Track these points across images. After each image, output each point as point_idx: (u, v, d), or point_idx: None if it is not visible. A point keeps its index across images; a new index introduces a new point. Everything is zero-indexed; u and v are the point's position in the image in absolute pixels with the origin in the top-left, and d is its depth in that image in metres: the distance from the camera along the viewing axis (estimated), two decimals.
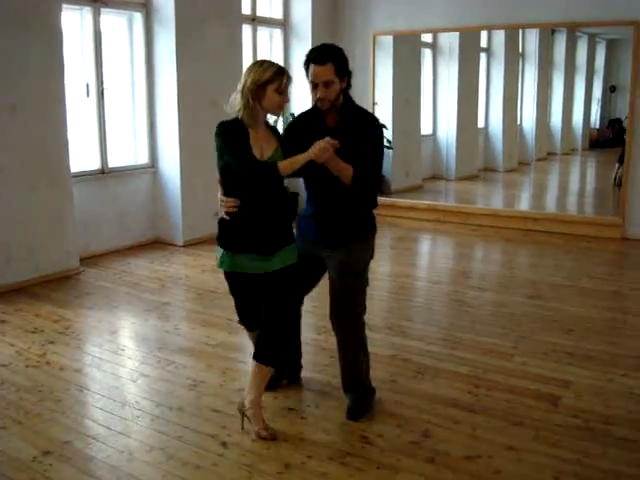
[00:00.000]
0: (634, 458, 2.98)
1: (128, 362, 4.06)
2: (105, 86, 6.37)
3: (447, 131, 9.20)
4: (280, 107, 3.04)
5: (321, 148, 2.94)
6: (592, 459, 2.95)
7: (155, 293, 5.38)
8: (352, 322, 3.34)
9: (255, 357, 3.17)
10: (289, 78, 3.00)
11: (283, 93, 2.99)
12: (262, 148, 3.04)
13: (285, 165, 2.98)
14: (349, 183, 3.11)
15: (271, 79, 2.94)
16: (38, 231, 5.57)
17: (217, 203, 3.14)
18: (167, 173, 6.90)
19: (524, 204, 9.27)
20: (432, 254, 7.29)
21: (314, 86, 3.11)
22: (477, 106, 9.20)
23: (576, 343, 4.30)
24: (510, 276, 6.04)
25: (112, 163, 6.61)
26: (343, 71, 3.11)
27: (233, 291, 3.28)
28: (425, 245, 7.55)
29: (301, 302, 3.52)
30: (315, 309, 4.56)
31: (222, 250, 3.13)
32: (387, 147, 8.83)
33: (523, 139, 9.42)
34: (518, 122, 9.35)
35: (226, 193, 3.08)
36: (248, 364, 3.87)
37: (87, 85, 6.24)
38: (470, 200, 8.89)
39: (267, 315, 3.13)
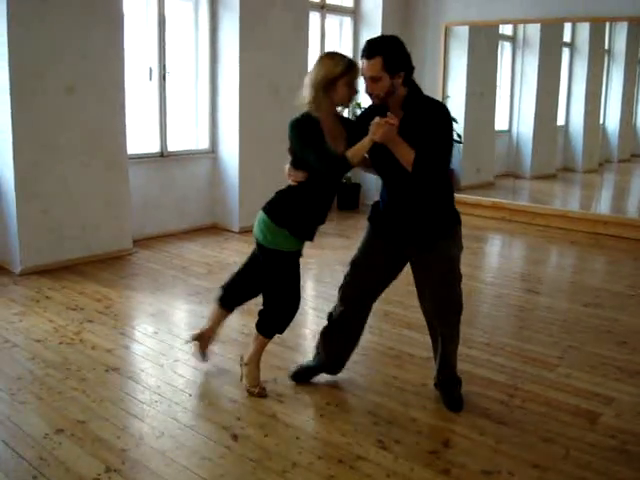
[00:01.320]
0: None
1: (159, 346, 4.05)
2: (168, 70, 6.40)
3: (524, 127, 8.84)
4: (350, 99, 3.12)
5: (377, 124, 2.90)
6: None
7: (200, 278, 5.37)
8: (455, 320, 3.34)
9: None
10: (358, 70, 3.03)
11: (353, 86, 3.06)
12: (335, 139, 3.09)
13: (353, 153, 3.01)
14: (410, 168, 2.96)
15: (342, 73, 3.00)
16: (92, 211, 5.65)
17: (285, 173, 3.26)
18: (226, 159, 6.89)
19: (599, 207, 8.82)
20: (491, 254, 7.00)
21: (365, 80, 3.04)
22: (557, 103, 8.77)
23: (628, 357, 4.01)
24: (570, 281, 5.72)
25: (172, 147, 6.65)
26: (395, 66, 2.91)
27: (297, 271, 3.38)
28: (486, 244, 7.24)
29: (374, 300, 3.45)
30: None
31: (286, 231, 3.22)
32: (457, 141, 8.56)
33: (605, 139, 8.96)
34: (601, 121, 8.89)
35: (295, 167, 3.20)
36: (276, 355, 3.83)
37: (150, 69, 6.29)
38: (542, 200, 8.49)
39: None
